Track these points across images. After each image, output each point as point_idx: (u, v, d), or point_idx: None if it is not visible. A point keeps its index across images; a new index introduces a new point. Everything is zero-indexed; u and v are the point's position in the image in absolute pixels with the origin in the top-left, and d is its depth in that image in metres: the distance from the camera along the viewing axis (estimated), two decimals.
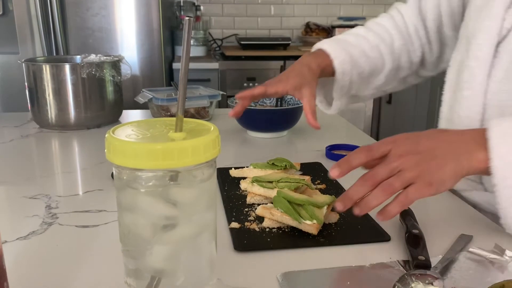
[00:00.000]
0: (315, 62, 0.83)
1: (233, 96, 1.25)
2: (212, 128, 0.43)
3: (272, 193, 0.71)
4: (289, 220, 0.63)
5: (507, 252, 0.57)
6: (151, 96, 1.22)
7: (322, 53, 0.85)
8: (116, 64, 1.23)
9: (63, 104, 1.17)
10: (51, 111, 1.17)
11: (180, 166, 0.39)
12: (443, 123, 0.80)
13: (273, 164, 0.81)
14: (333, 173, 0.56)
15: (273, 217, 0.64)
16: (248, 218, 0.68)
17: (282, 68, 1.24)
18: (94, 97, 1.19)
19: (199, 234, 0.43)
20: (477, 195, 0.76)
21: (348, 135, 1.12)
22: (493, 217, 0.66)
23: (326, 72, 0.85)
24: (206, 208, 0.43)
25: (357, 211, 0.56)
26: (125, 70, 1.26)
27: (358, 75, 0.88)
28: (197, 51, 2.68)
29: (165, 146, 0.38)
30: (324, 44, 0.86)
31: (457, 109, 0.74)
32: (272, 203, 0.71)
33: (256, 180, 0.74)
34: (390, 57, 0.92)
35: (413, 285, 0.49)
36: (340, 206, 0.56)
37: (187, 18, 0.37)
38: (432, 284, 0.49)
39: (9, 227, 0.66)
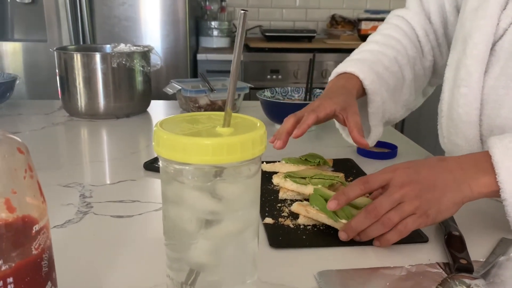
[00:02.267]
0: (350, 84, 0.82)
1: (257, 89, 1.24)
2: (258, 124, 0.42)
3: (305, 189, 0.71)
4: (324, 219, 0.62)
5: None
6: (180, 88, 1.22)
7: (350, 75, 0.83)
8: (146, 55, 1.23)
9: (93, 93, 1.18)
10: (81, 100, 1.18)
11: (228, 161, 0.39)
12: (443, 121, 0.81)
13: (306, 159, 0.81)
14: (330, 205, 0.59)
15: (308, 215, 0.64)
16: (282, 214, 0.67)
17: (312, 61, 1.22)
18: (123, 86, 1.20)
19: (243, 230, 0.43)
20: None
21: (385, 126, 1.09)
22: None
23: (359, 94, 0.84)
24: (250, 204, 0.43)
25: (356, 239, 0.60)
26: (155, 60, 1.26)
27: (386, 92, 0.87)
28: (221, 42, 2.67)
29: (215, 142, 0.38)
30: (348, 67, 0.84)
31: (456, 106, 0.76)
32: (306, 199, 0.71)
33: (289, 176, 0.73)
34: (408, 67, 0.91)
35: None
36: (343, 236, 0.59)
37: (242, 11, 0.36)
38: None
39: None
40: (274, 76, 2.60)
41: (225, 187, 0.41)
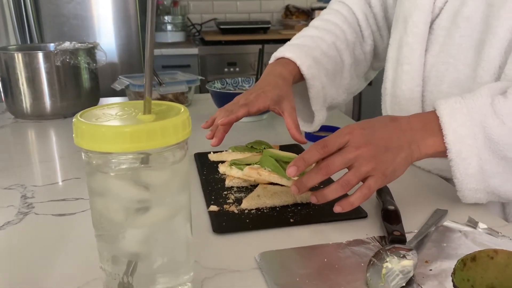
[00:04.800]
0: (287, 71, 0.82)
1: (212, 81, 1.24)
2: (182, 110, 0.43)
3: (245, 170, 0.72)
4: (277, 179, 0.64)
5: (480, 224, 0.58)
6: (128, 83, 1.21)
7: (288, 61, 0.84)
8: (91, 51, 1.21)
9: (38, 93, 1.15)
10: (26, 101, 1.15)
11: (149, 148, 0.39)
12: (387, 99, 0.84)
13: (252, 147, 0.81)
14: (290, 172, 0.58)
15: (261, 177, 0.65)
16: (227, 201, 0.68)
17: (261, 52, 1.23)
18: (69, 85, 1.17)
19: (173, 216, 0.43)
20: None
21: (328, 116, 1.12)
22: None
23: (297, 79, 0.85)
24: (179, 190, 0.43)
25: (313, 200, 0.59)
26: (101, 57, 1.24)
27: (325, 77, 0.87)
28: (176, 36, 2.65)
29: (133, 128, 0.38)
30: (286, 52, 0.84)
31: (399, 83, 0.79)
32: (252, 185, 0.72)
33: (234, 163, 0.74)
34: (347, 52, 0.92)
35: (388, 259, 0.50)
36: (294, 189, 0.59)
37: None
38: (406, 257, 0.50)
39: None
40: (231, 69, 2.60)
41: (151, 174, 0.41)
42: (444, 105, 0.61)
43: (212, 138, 0.76)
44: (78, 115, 0.41)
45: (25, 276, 0.52)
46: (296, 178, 0.59)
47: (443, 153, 0.60)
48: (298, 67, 0.83)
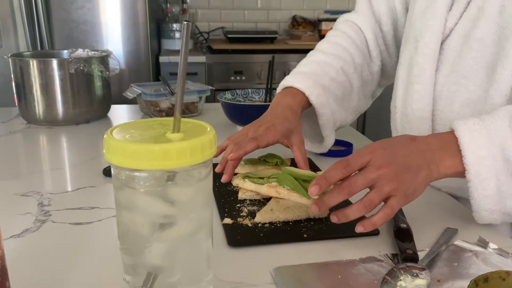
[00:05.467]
0: (295, 102, 0.83)
1: (221, 90, 1.26)
2: (208, 128, 0.44)
3: (263, 188, 0.73)
4: (296, 197, 0.63)
5: (491, 245, 0.59)
6: (140, 92, 1.22)
7: (296, 91, 0.84)
8: (104, 59, 1.23)
9: (51, 100, 1.16)
10: (39, 107, 1.17)
11: (178, 166, 0.40)
12: (398, 117, 0.85)
13: (264, 160, 0.83)
14: (312, 191, 0.58)
15: (280, 195, 0.65)
16: (241, 214, 0.69)
17: (271, 64, 1.25)
18: (82, 92, 1.19)
19: (196, 231, 0.44)
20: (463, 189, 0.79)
21: (337, 130, 1.13)
22: None
23: (305, 108, 0.86)
24: (203, 206, 0.44)
25: (334, 220, 0.59)
26: (113, 65, 1.26)
27: (334, 103, 0.88)
28: None
29: (164, 147, 0.39)
30: (295, 83, 0.85)
31: (410, 102, 0.80)
32: (265, 198, 0.73)
33: (247, 176, 0.75)
34: (356, 75, 0.92)
35: (401, 278, 0.51)
36: (315, 208, 0.59)
37: (185, 22, 0.38)
38: (419, 276, 0.51)
39: (2, 224, 0.66)
40: (238, 77, 2.62)
41: (177, 191, 0.42)
42: (462, 126, 0.61)
43: (222, 171, 0.76)
44: (109, 131, 0.42)
45: (44, 284, 0.53)
46: (316, 197, 0.60)
47: (461, 173, 0.61)
48: (306, 97, 0.83)
